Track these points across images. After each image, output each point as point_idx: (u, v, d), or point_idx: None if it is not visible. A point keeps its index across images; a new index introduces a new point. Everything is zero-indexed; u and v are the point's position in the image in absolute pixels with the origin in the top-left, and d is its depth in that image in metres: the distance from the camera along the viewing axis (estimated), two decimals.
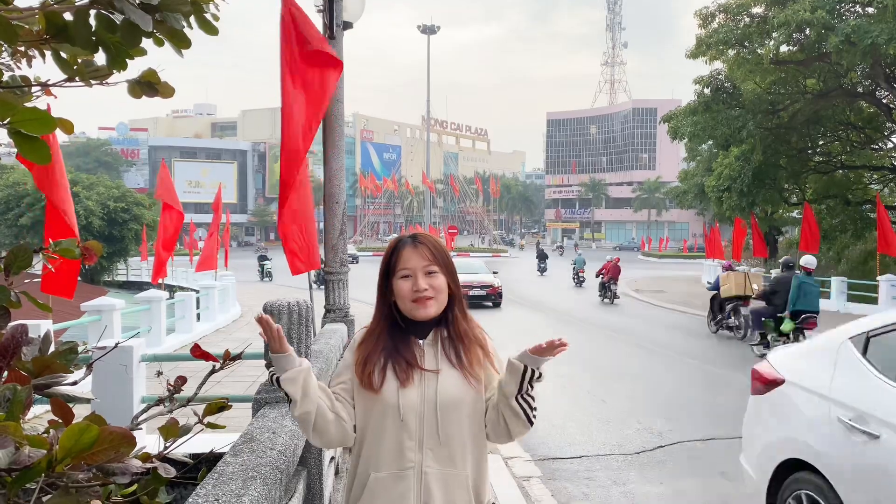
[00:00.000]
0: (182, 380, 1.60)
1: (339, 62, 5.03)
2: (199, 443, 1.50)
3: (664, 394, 8.81)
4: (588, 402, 8.29)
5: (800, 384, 3.74)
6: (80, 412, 1.13)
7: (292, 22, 4.61)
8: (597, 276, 22.73)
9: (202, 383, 1.68)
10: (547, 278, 33.45)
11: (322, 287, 6.31)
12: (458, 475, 1.79)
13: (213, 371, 1.68)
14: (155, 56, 1.46)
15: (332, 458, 4.05)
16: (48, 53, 1.39)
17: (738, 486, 4.09)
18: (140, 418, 1.63)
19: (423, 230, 4.08)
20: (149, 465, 1.15)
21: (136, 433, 1.08)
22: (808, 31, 19.10)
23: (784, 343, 11.00)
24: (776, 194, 24.17)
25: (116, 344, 4.04)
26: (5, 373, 1.14)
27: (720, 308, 14.46)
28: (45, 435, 1.03)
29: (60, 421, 1.10)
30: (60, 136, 4.78)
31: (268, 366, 1.88)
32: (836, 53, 17.75)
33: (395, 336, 1.85)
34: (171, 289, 20.90)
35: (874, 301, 18.44)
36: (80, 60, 1.38)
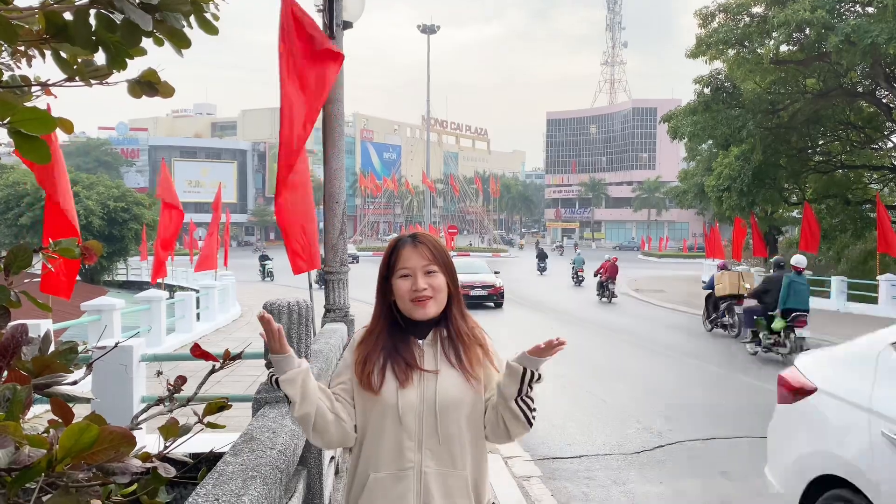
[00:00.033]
0: (182, 379, 1.60)
1: (340, 54, 5.04)
2: (199, 442, 1.50)
3: (664, 393, 8.81)
4: (588, 402, 8.29)
5: (834, 393, 3.42)
6: (80, 412, 1.13)
7: (292, 16, 4.62)
8: (595, 275, 22.91)
9: (202, 383, 1.68)
10: (547, 278, 33.49)
11: (322, 287, 6.31)
12: (457, 475, 1.79)
13: (212, 371, 1.68)
14: (155, 56, 1.46)
15: (332, 458, 4.06)
16: (48, 53, 1.39)
17: (769, 499, 3.82)
18: (140, 418, 1.63)
19: (423, 230, 4.09)
20: (149, 465, 1.15)
21: (136, 433, 1.08)
22: (807, 31, 19.10)
23: (775, 341, 11.16)
24: (776, 194, 24.17)
25: (116, 344, 4.04)
26: (5, 372, 1.14)
27: (715, 307, 14.61)
28: (45, 434, 1.03)
29: (60, 421, 1.10)
30: (60, 135, 4.79)
31: (268, 366, 1.88)
32: (836, 53, 17.75)
33: (394, 336, 1.85)
34: (171, 288, 20.91)
35: (874, 301, 18.46)
36: (79, 60, 1.38)
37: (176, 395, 1.58)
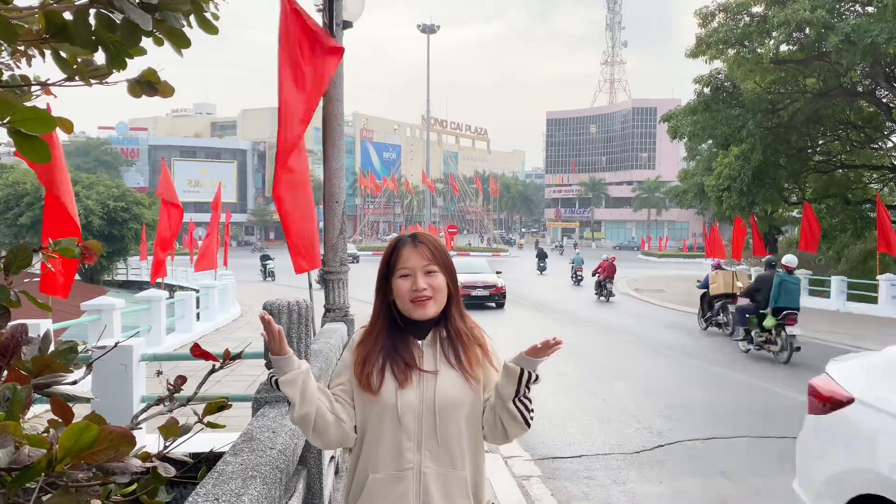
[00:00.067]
0: (182, 379, 1.60)
1: (339, 48, 5.05)
2: (198, 442, 1.50)
3: (664, 393, 8.81)
4: (588, 402, 8.29)
5: (875, 405, 3.14)
6: (80, 411, 1.13)
7: (291, 11, 4.64)
8: (593, 274, 23.15)
9: (202, 383, 1.68)
10: (546, 277, 33.58)
11: (323, 287, 6.31)
12: (456, 475, 1.79)
13: (212, 370, 1.68)
14: (155, 55, 1.46)
15: (332, 458, 4.06)
16: (48, 53, 1.39)
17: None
18: (140, 418, 1.63)
19: (423, 229, 4.08)
20: (148, 465, 1.15)
21: (135, 432, 1.08)
22: (807, 31, 19.10)
23: (766, 338, 11.25)
24: (776, 194, 24.18)
25: (116, 343, 4.04)
26: (5, 372, 1.14)
27: (710, 306, 14.87)
28: (45, 434, 1.03)
29: (60, 420, 1.10)
30: (60, 135, 4.79)
31: (268, 366, 1.88)
32: (836, 53, 17.76)
33: (393, 336, 1.85)
34: (171, 288, 20.91)
35: (874, 300, 18.46)
36: (79, 60, 1.38)
37: (176, 395, 1.59)
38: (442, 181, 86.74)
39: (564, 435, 6.86)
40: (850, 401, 3.27)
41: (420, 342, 1.85)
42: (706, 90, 22.26)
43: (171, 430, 1.32)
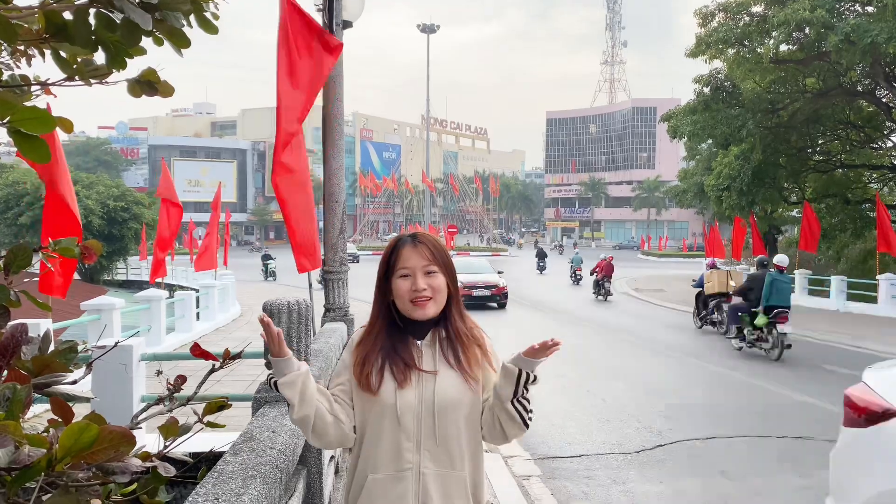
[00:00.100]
0: (182, 379, 1.60)
1: (338, 44, 5.05)
2: (198, 442, 1.50)
3: (664, 392, 8.81)
4: (588, 401, 8.29)
5: None
6: (80, 411, 1.13)
7: (289, 7, 4.65)
8: (591, 273, 23.45)
9: (202, 382, 1.68)
10: (546, 276, 33.63)
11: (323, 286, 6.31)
12: (455, 476, 1.79)
13: (212, 370, 1.69)
14: (154, 55, 1.46)
15: (332, 457, 4.06)
16: (48, 52, 1.39)
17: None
18: (140, 417, 1.64)
19: (423, 229, 4.09)
20: (148, 464, 1.15)
21: (135, 432, 1.08)
22: (807, 30, 19.10)
23: (758, 336, 11.46)
24: (776, 193, 24.19)
25: (116, 343, 4.02)
26: (5, 372, 1.14)
27: (704, 305, 15.14)
28: (45, 434, 1.03)
29: (60, 420, 1.10)
30: (60, 134, 4.79)
31: (268, 365, 1.89)
32: (836, 52, 17.76)
33: (392, 336, 1.85)
34: (171, 288, 20.91)
35: (874, 300, 18.46)
36: (79, 59, 1.38)
37: (176, 395, 1.59)
38: (442, 181, 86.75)
39: (564, 434, 6.86)
40: (893, 413, 3.05)
41: (419, 342, 1.85)
42: (706, 90, 22.26)
43: (171, 430, 1.32)
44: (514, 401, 1.70)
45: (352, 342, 1.91)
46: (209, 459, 1.79)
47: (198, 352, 1.57)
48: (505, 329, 14.71)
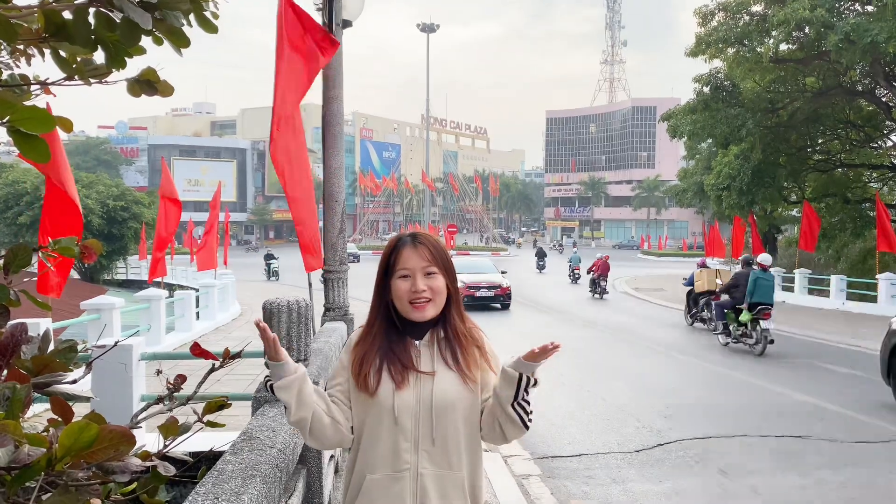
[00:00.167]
0: (182, 378, 1.60)
1: (335, 42, 5.06)
2: (198, 441, 1.51)
3: (663, 392, 8.81)
4: (588, 401, 8.29)
5: None
6: (80, 411, 1.13)
7: (288, 6, 4.66)
8: (588, 272, 23.94)
9: (202, 382, 1.68)
10: (545, 275, 33.77)
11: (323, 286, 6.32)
12: (453, 476, 1.79)
13: (212, 369, 1.69)
14: (154, 54, 1.46)
15: (332, 457, 4.06)
16: (47, 52, 1.39)
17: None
18: (140, 417, 1.64)
19: (423, 229, 4.09)
20: (148, 464, 1.15)
21: (135, 432, 1.08)
22: (807, 30, 19.11)
23: (743, 332, 11.94)
24: (775, 193, 24.19)
25: (116, 342, 4.01)
26: (5, 371, 1.14)
27: (695, 302, 15.54)
28: (45, 433, 1.03)
29: (60, 419, 1.10)
30: (60, 133, 4.78)
31: (268, 365, 1.88)
32: (836, 52, 17.76)
33: (391, 336, 1.84)
34: (171, 287, 20.92)
35: (874, 300, 18.47)
36: (79, 59, 1.38)
37: (175, 394, 1.59)
38: (441, 180, 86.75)
39: (564, 434, 6.86)
40: None
41: (417, 343, 1.84)
42: (706, 89, 22.27)
43: (171, 429, 1.32)
44: (515, 403, 1.69)
45: (350, 342, 1.90)
46: (209, 459, 1.79)
47: (197, 351, 1.57)
48: (503, 327, 14.71)
